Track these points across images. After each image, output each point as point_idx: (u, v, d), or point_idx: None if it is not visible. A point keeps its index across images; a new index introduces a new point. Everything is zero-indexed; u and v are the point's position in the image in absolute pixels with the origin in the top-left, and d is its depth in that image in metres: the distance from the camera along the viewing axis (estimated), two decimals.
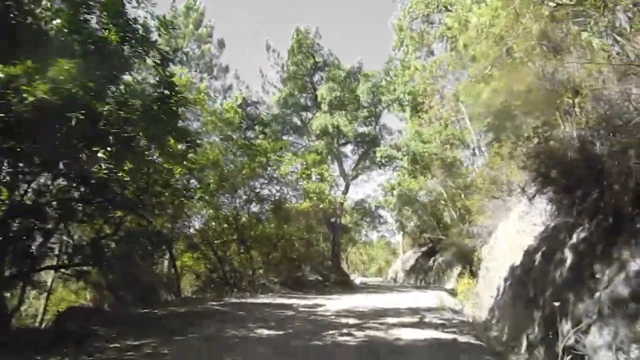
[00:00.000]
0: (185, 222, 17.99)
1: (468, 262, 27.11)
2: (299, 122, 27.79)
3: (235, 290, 16.91)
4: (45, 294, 14.61)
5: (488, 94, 11.77)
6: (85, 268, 8.99)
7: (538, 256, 8.23)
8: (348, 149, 29.05)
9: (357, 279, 39.22)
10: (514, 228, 11.32)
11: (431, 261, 36.41)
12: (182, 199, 10.17)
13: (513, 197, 14.49)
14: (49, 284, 14.62)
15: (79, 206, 8.01)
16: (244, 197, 19.55)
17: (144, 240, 14.70)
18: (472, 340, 7.44)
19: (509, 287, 9.68)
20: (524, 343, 6.85)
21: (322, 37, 25.33)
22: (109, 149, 4.66)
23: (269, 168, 19.17)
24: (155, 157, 6.39)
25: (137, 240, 14.62)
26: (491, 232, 13.90)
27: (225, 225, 17.92)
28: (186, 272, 20.60)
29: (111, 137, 4.62)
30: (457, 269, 30.95)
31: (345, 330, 7.92)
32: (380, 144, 26.27)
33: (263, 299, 14.39)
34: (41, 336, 6.60)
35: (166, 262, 16.62)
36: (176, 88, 6.08)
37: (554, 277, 6.64)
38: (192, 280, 19.83)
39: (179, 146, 6.79)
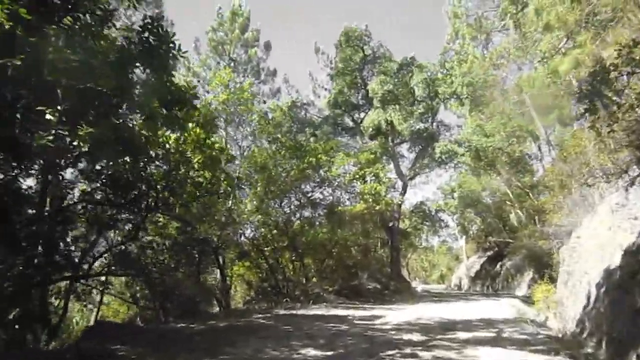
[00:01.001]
0: (235, 229, 17.17)
1: (542, 266, 24.84)
2: (350, 123, 26.37)
3: (287, 300, 15.87)
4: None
5: (568, 66, 10.02)
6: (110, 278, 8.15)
7: None
8: (404, 148, 27.49)
9: (418, 286, 37.29)
10: (605, 224, 9.64)
11: (498, 266, 34.49)
12: (206, 194, 8.97)
13: (600, 189, 12.79)
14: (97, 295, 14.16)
15: (104, 209, 7.15)
16: (295, 202, 18.56)
17: (188, 249, 14.06)
18: None
19: (605, 294, 8.02)
20: None
21: (371, 33, 23.99)
22: (59, 107, 3.55)
23: (320, 170, 17.99)
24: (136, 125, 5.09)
25: (181, 248, 14.02)
26: (570, 231, 11.86)
27: (275, 232, 16.91)
28: (238, 281, 19.88)
29: (60, 91, 3.53)
30: (528, 274, 28.79)
31: (408, 350, 6.54)
32: (439, 141, 24.37)
33: (315, 310, 13.17)
34: (56, 357, 5.69)
35: (219, 272, 15.81)
36: (167, 34, 4.78)
37: None
38: (245, 290, 18.99)
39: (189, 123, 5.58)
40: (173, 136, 5.42)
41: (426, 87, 23.06)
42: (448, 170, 27.09)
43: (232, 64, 26.27)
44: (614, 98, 6.77)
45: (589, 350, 7.30)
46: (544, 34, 12.41)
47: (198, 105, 17.01)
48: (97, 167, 6.58)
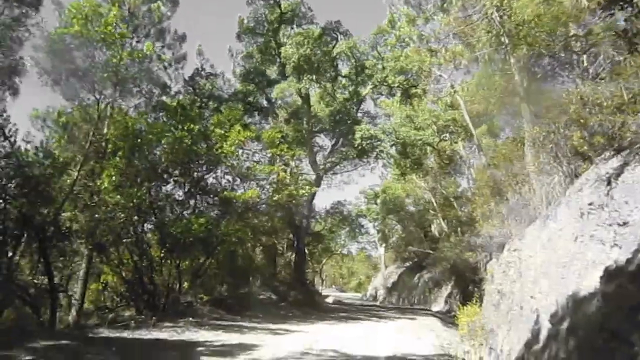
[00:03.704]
0: (90, 212, 12.81)
1: (464, 281, 22.71)
2: (265, 102, 22.28)
3: (148, 310, 11.86)
4: None
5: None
6: None
7: None
8: (323, 139, 23.94)
9: (331, 295, 34.23)
10: (568, 234, 6.71)
11: (416, 278, 33.01)
12: None
13: (548, 191, 10.31)
14: None
15: None
16: (185, 186, 14.44)
17: None
18: None
19: (569, 333, 5.20)
20: None
21: None
22: None
23: (215, 148, 13.90)
24: None
25: None
26: (503, 243, 9.75)
27: (136, 218, 12.63)
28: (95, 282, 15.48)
29: None
30: (446, 289, 27.16)
31: None
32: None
33: (161, 332, 9.14)
34: None
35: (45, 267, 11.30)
36: None
37: None
38: (98, 295, 14.65)
39: None
40: None
41: (353, 66, 19.67)
42: (370, 163, 23.82)
43: (132, 20, 21.70)
44: None
45: None
46: None
47: None
48: None
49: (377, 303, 35.78)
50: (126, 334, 8.44)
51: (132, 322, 9.53)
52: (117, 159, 12.14)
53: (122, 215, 12.57)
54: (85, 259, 15.50)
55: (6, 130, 11.53)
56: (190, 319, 11.19)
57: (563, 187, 8.96)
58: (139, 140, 12.09)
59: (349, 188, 55.70)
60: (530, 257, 7.81)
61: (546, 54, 12.60)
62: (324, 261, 41.56)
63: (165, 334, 8.93)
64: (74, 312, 15.72)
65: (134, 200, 12.29)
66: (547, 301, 6.41)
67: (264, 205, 14.82)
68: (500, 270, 9.20)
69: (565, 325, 5.59)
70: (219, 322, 11.54)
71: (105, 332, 8.52)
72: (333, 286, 63.94)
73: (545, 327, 5.97)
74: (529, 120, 15.68)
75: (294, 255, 21.19)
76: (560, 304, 5.82)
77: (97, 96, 12.66)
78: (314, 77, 17.52)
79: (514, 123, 22.00)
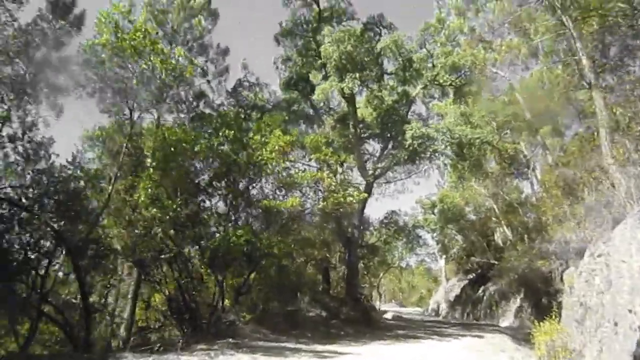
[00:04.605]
0: (128, 228, 12.35)
1: (535, 293, 20.83)
2: (310, 110, 21.44)
3: (190, 330, 11.10)
4: None
5: None
6: None
7: None
8: (373, 146, 22.73)
9: (390, 310, 32.57)
10: None
11: (480, 291, 30.84)
12: None
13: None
14: None
15: None
16: (228, 197, 13.70)
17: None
18: None
19: None
20: None
21: None
22: None
23: (255, 156, 13.08)
24: None
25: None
26: (582, 249, 9.04)
27: (173, 232, 11.91)
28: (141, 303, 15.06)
29: None
30: (515, 302, 25.08)
31: None
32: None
33: (192, 357, 8.18)
34: None
35: (79, 286, 10.80)
36: None
37: None
38: (141, 314, 14.12)
39: None
40: None
41: (399, 63, 18.34)
42: (423, 167, 22.28)
43: (174, 37, 21.67)
44: None
45: None
46: None
47: None
48: None
49: (440, 318, 33.76)
50: (152, 359, 7.59)
51: (159, 344, 8.70)
52: (151, 170, 11.59)
53: (159, 229, 11.95)
54: (135, 278, 15.24)
55: (45, 148, 11.42)
56: (230, 339, 10.23)
57: None
58: (172, 149, 11.45)
59: (404, 197, 53.88)
60: (623, 263, 6.48)
61: (622, 24, 10.92)
62: (381, 275, 39.94)
63: (196, 358, 8.00)
64: (122, 333, 15.41)
65: (170, 214, 11.60)
66: None
67: (309, 215, 13.79)
68: (582, 280, 7.94)
69: None
70: (261, 343, 10.51)
71: (129, 358, 7.71)
72: (393, 301, 62.12)
73: None
74: (602, 108, 13.90)
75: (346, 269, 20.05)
76: None
77: (131, 107, 12.29)
78: (357, 75, 16.39)
79: (582, 119, 20.07)
